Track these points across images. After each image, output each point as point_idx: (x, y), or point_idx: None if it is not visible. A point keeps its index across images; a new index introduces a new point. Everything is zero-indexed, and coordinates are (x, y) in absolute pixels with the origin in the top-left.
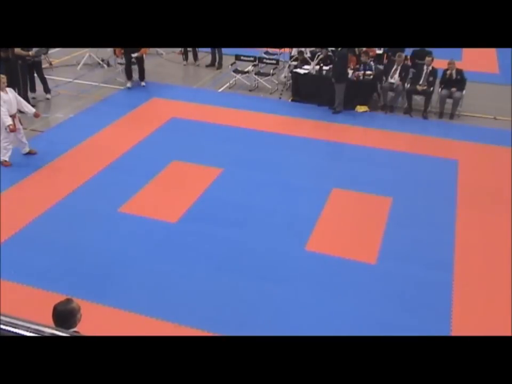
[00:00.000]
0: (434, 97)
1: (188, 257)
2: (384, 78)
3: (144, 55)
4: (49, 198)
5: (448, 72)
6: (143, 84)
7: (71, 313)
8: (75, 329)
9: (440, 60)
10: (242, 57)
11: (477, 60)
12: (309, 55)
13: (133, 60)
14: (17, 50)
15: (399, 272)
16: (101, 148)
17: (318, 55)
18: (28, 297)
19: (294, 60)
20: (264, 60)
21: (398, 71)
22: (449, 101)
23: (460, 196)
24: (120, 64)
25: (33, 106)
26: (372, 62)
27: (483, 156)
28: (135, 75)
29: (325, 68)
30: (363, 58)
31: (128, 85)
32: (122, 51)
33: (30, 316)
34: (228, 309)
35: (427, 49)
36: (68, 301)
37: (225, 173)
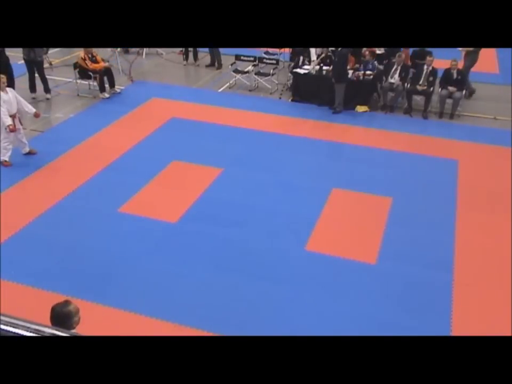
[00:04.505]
0: (434, 97)
1: (188, 257)
2: (384, 78)
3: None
4: (49, 198)
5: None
6: (118, 90)
7: (67, 316)
8: (74, 331)
9: (440, 59)
10: (242, 57)
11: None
12: (314, 58)
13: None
14: None
15: (399, 272)
16: (101, 148)
17: (319, 55)
18: (28, 297)
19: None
20: (264, 60)
21: (398, 71)
22: (449, 101)
23: (460, 196)
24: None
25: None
26: (375, 62)
27: (483, 156)
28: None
29: (325, 67)
30: (367, 57)
31: (106, 95)
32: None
33: (30, 316)
34: (228, 309)
35: (427, 49)
36: (66, 302)
37: (225, 173)
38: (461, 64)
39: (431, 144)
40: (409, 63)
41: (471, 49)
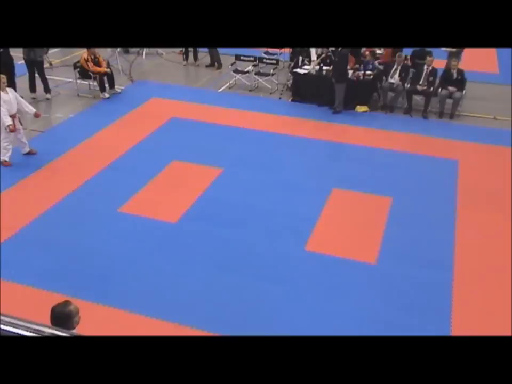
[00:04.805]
0: (434, 97)
1: (188, 257)
2: (384, 78)
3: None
4: (49, 198)
5: (452, 69)
6: (118, 91)
7: (68, 316)
8: (74, 331)
9: (440, 59)
10: (242, 57)
11: (477, 60)
12: (314, 58)
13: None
14: None
15: (399, 272)
16: (101, 148)
17: (319, 55)
18: (28, 297)
19: (296, 63)
20: (264, 60)
21: (398, 71)
22: (449, 101)
23: (460, 196)
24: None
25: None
26: (376, 62)
27: (483, 156)
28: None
29: (325, 68)
30: (368, 57)
31: (106, 95)
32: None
33: (30, 316)
34: (228, 309)
35: (427, 49)
36: (66, 303)
37: (225, 173)
38: (460, 64)
39: (431, 144)
40: (410, 63)
41: (454, 49)
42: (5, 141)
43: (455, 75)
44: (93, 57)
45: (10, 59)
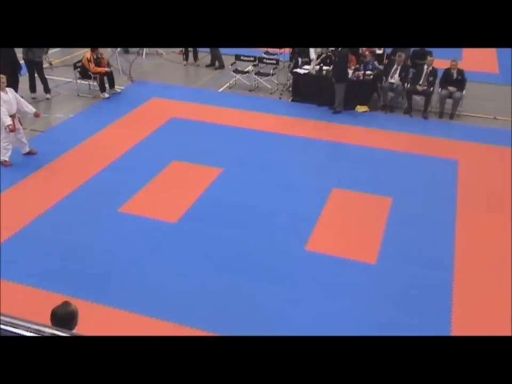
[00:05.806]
0: (434, 97)
1: (188, 257)
2: (384, 78)
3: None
4: (49, 198)
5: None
6: (118, 91)
7: (71, 315)
8: (73, 331)
9: (440, 60)
10: (242, 57)
11: (477, 60)
12: (313, 57)
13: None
14: None
15: (399, 272)
16: (101, 148)
17: (319, 55)
18: (28, 297)
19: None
20: (264, 60)
21: (398, 71)
22: (449, 101)
23: (460, 196)
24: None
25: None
26: (375, 62)
27: (483, 156)
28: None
29: (325, 68)
30: (368, 57)
31: (106, 95)
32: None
33: (30, 316)
34: (228, 309)
35: (427, 49)
36: (66, 303)
37: (225, 173)
38: (460, 64)
39: (431, 144)
40: (410, 63)
41: None
42: (5, 141)
43: (455, 75)
44: (95, 57)
45: (15, 58)
